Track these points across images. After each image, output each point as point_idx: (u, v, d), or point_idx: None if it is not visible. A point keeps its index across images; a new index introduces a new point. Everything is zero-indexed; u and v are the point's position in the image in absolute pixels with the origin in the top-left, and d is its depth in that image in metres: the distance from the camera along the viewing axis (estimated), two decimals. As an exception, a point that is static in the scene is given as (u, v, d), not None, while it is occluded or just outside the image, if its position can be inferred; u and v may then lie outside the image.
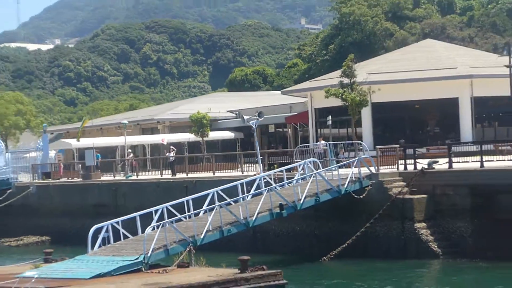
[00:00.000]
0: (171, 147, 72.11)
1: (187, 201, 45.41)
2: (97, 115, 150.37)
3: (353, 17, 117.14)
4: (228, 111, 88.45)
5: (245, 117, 54.50)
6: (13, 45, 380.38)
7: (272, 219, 47.38)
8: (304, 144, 62.94)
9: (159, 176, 65.57)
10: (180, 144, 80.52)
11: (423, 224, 47.10)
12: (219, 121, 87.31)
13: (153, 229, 42.50)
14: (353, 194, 48.89)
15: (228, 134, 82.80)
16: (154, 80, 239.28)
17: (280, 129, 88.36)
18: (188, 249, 42.01)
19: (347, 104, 61.44)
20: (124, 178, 67.03)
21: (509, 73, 68.66)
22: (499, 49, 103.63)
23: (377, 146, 53.13)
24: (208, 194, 45.86)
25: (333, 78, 70.46)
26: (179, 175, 63.78)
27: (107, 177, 69.49)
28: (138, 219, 43.64)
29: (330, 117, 66.07)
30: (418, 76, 67.40)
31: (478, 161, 49.23)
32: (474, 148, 54.33)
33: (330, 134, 67.65)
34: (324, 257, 47.59)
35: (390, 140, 63.81)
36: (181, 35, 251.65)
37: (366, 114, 68.77)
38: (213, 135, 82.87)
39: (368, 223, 47.67)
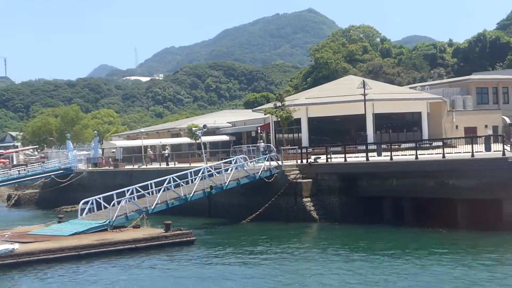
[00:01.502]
0: (166, 146, 72.22)
1: (151, 183, 45.23)
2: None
3: (322, 59, 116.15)
4: (227, 122, 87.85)
5: (193, 129, 54.60)
6: (132, 78, 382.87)
7: (205, 196, 47.13)
8: (238, 145, 62.35)
9: (158, 166, 65.50)
10: (181, 145, 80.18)
11: (308, 199, 46.58)
12: (220, 129, 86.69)
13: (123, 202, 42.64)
14: (265, 179, 48.50)
15: (225, 138, 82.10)
16: (213, 101, 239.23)
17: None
18: (142, 216, 42.04)
19: (278, 118, 60.98)
20: (137, 167, 66.75)
21: (396, 99, 68.35)
22: (416, 81, 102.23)
23: (282, 147, 52.30)
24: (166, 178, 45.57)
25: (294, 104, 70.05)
26: (171, 165, 63.56)
27: (128, 166, 69.48)
28: (115, 195, 42.86)
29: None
30: (339, 99, 66.53)
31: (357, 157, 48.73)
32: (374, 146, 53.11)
33: (276, 139, 67.37)
34: (244, 220, 47.16)
35: (320, 142, 63.18)
36: (232, 71, 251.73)
37: (304, 124, 67.98)
38: (216, 138, 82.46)
39: (273, 198, 47.14)
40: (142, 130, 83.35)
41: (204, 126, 55.28)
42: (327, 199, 46.54)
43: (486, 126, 73.12)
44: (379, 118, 67.44)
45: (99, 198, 43.40)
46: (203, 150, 54.77)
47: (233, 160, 50.27)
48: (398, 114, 69.43)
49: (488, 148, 41.08)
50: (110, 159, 73.17)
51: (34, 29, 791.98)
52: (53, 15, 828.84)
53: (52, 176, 71.34)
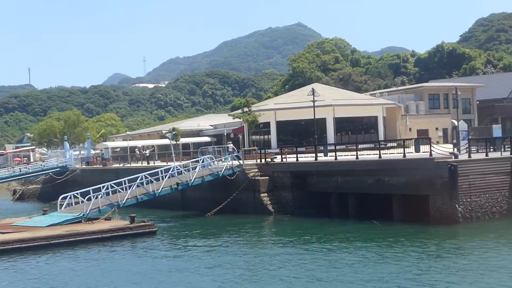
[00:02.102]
0: (147, 147, 72.01)
1: (124, 180, 45.00)
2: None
3: (299, 69, 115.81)
4: (210, 125, 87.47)
5: (164, 131, 54.37)
6: (140, 85, 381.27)
7: (172, 192, 46.85)
8: (204, 146, 62.01)
9: (140, 164, 65.21)
10: (165, 146, 79.66)
11: (265, 194, 46.38)
12: (203, 131, 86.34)
13: (96, 197, 42.36)
14: (227, 177, 48.27)
15: (207, 139, 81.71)
16: (209, 106, 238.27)
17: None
18: (113, 209, 41.77)
19: (245, 122, 60.77)
20: (122, 165, 66.46)
21: (355, 104, 68.11)
22: (381, 87, 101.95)
23: (243, 148, 52.27)
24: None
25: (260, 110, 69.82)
26: (151, 164, 63.22)
27: (114, 165, 69.19)
28: (91, 191, 42.53)
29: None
30: (303, 105, 66.21)
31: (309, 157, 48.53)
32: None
33: (249, 140, 67.14)
34: (208, 213, 46.96)
35: (286, 143, 63.03)
36: (226, 79, 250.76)
37: (273, 127, 67.89)
38: (199, 139, 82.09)
39: (235, 193, 46.99)
40: (128, 132, 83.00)
41: (174, 129, 55.06)
42: (281, 194, 46.40)
43: (436, 128, 73.22)
44: (339, 122, 67.44)
45: (77, 193, 43.19)
46: (172, 151, 54.50)
47: (200, 159, 50.07)
48: (357, 118, 69.29)
49: (417, 150, 40.92)
50: (99, 158, 72.70)
51: (57, 40, 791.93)
52: (76, 30, 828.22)
53: (50, 173, 71.21)
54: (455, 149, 45.70)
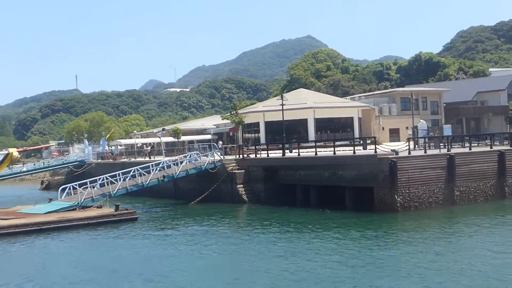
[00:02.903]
0: (149, 143, 71.92)
1: (118, 173, 44.84)
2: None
3: (295, 75, 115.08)
4: (213, 125, 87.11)
5: (155, 130, 54.16)
6: (171, 90, 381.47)
7: (159, 183, 46.45)
8: (191, 144, 61.64)
9: (143, 159, 65.02)
10: (170, 143, 79.04)
11: (241, 185, 45.98)
12: (207, 129, 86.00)
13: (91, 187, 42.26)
14: (209, 170, 47.96)
15: (209, 137, 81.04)
16: (227, 107, 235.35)
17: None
18: (105, 198, 41.67)
19: (232, 123, 60.30)
20: (128, 160, 66.41)
21: (333, 106, 67.33)
22: (366, 92, 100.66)
23: (223, 145, 51.77)
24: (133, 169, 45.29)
25: (249, 112, 69.53)
26: (152, 158, 63.02)
27: (123, 159, 69.19)
28: (88, 183, 42.43)
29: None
30: (288, 107, 65.30)
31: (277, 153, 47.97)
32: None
33: (243, 138, 66.67)
34: (192, 202, 46.70)
35: (274, 141, 62.43)
36: (241, 84, 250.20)
37: (262, 127, 67.35)
38: (202, 137, 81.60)
39: (215, 184, 46.69)
40: (136, 132, 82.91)
41: (163, 129, 54.95)
42: (255, 185, 45.96)
43: (406, 127, 71.96)
44: (319, 122, 66.59)
45: (76, 184, 43.19)
46: (163, 148, 54.29)
47: (188, 155, 49.80)
48: (335, 118, 68.43)
49: (364, 147, 40.31)
50: (111, 153, 72.75)
51: (103, 48, 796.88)
52: (118, 41, 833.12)
53: (70, 166, 71.44)
54: (416, 146, 45.24)
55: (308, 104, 66.96)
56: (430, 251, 24.89)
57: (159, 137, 53.72)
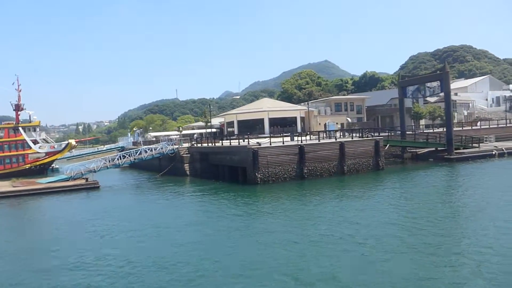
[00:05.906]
0: (168, 135, 70.35)
1: (117, 155, 44.30)
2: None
3: (285, 88, 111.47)
4: (219, 122, 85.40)
5: (135, 129, 53.34)
6: (235, 97, 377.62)
7: (132, 163, 45.69)
8: (167, 136, 60.26)
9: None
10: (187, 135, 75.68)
11: (187, 164, 44.88)
12: (213, 125, 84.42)
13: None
14: (170, 154, 46.98)
15: (214, 130, 79.21)
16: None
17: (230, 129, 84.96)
18: (91, 173, 41.09)
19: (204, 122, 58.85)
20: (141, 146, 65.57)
21: (281, 109, 64.65)
22: (328, 101, 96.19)
23: (181, 139, 50.37)
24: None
25: (227, 114, 67.74)
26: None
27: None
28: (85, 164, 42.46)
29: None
30: (253, 110, 63.87)
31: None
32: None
33: (227, 132, 65.02)
34: (157, 175, 46.07)
35: (244, 134, 60.59)
36: (272, 93, 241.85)
37: (235, 124, 65.63)
38: (203, 130, 79.67)
39: (173, 163, 45.84)
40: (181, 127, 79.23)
41: (141, 129, 54.11)
42: (196, 165, 44.78)
43: (336, 123, 68.52)
44: (272, 120, 64.29)
45: (77, 164, 43.23)
46: (141, 141, 53.63)
47: (159, 144, 49.07)
48: (283, 118, 65.78)
49: (292, 139, 38.22)
50: (136, 142, 71.96)
51: (195, 67, 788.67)
52: (205, 61, 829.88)
53: (115, 150, 71.68)
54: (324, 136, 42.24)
55: (264, 108, 64.82)
56: (278, 209, 23.87)
57: (139, 133, 53.24)
